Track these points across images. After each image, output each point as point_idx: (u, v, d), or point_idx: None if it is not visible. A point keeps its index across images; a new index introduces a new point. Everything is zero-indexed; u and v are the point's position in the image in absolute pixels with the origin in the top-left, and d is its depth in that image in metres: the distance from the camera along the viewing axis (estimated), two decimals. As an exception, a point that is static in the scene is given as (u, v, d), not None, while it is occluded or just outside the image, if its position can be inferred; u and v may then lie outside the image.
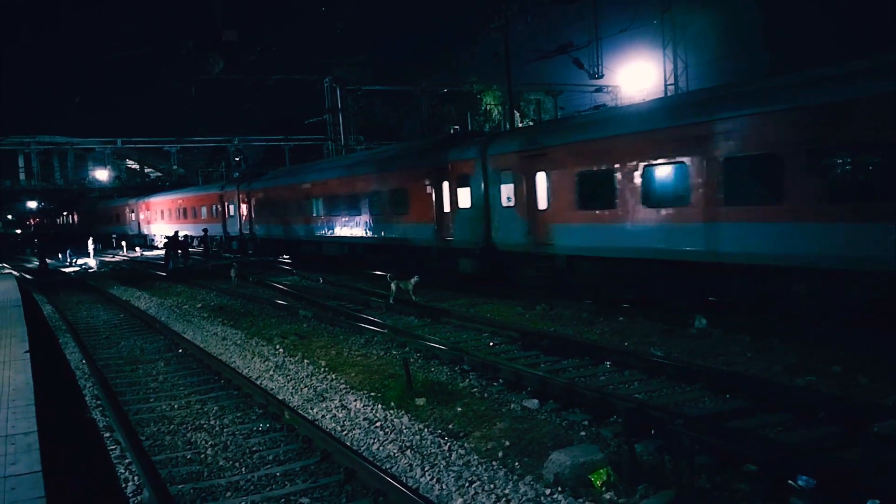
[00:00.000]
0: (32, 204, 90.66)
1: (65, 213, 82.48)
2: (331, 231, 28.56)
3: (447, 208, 20.82)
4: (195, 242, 43.93)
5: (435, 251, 21.86)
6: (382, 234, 24.83)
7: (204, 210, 44.90)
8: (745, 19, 37.73)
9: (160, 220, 53.14)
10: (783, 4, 36.26)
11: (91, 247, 44.98)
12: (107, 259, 44.90)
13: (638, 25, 31.46)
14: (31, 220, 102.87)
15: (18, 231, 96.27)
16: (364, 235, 26.07)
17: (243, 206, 38.47)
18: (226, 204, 41.36)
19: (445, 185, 20.83)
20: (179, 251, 35.13)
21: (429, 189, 21.57)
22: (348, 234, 27.18)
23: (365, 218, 25.81)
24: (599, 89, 44.05)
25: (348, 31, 41.17)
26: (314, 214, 29.81)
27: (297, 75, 47.95)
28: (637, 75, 41.10)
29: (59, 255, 45.38)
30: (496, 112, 53.75)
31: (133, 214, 58.78)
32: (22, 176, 57.84)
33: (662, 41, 32.82)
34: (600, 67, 35.01)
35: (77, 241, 51.93)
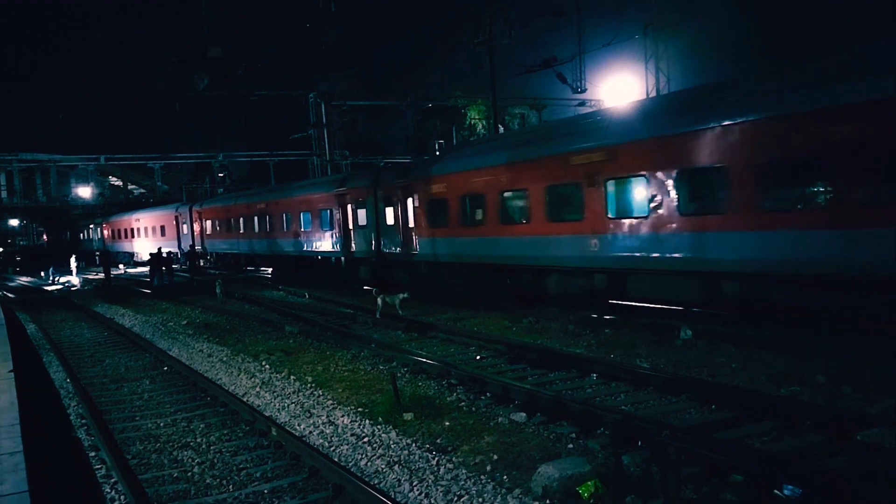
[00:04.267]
0: (14, 221, 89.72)
1: (91, 227, 68.76)
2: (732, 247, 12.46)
3: None
4: (180, 258, 43.58)
5: None
6: None
7: (305, 218, 30.09)
8: (730, 29, 38.13)
9: (228, 234, 39.42)
10: (768, 12, 36.67)
11: (74, 264, 44.70)
12: (90, 276, 44.59)
13: (621, 40, 31.81)
14: (45, 236, 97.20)
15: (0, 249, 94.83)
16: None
17: (388, 211, 23.83)
18: (350, 207, 26.41)
19: None
20: (164, 267, 34.95)
21: None
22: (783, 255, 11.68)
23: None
24: (583, 103, 44.35)
25: (333, 46, 41.20)
26: (636, 211, 14.50)
27: (281, 91, 48.03)
28: (620, 89, 41.44)
29: (42, 273, 45.02)
30: (480, 126, 53.98)
31: (185, 226, 46.24)
32: (3, 193, 57.42)
33: (645, 55, 33.19)
34: (583, 82, 35.30)
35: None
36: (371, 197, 24.75)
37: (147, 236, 52.32)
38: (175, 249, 46.04)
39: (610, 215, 14.78)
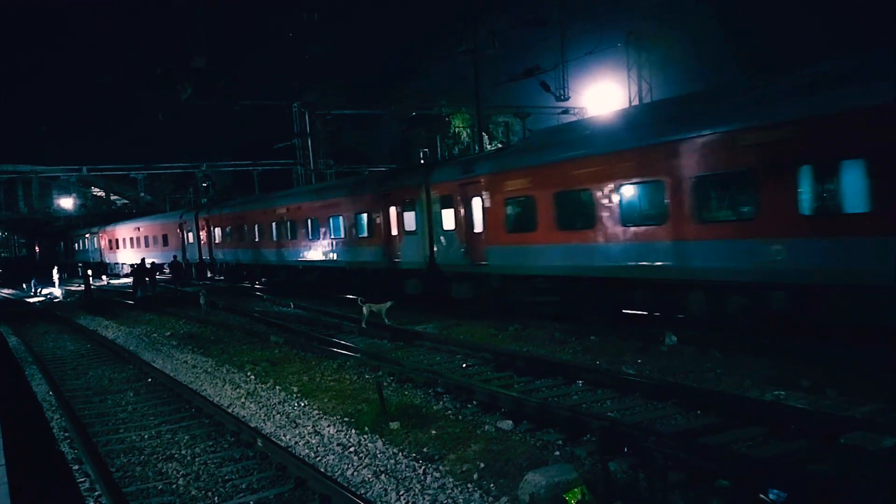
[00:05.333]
0: None
1: (87, 237, 62.50)
2: None
3: None
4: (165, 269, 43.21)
5: None
6: None
7: (335, 224, 26.05)
8: (710, 37, 38.47)
9: (240, 243, 35.28)
10: (748, 19, 37.06)
11: (56, 276, 44.29)
12: (73, 288, 44.19)
13: (603, 48, 32.04)
14: (36, 247, 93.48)
15: None
16: None
17: (445, 213, 20.07)
18: (394, 210, 22.52)
19: None
20: (147, 278, 34.68)
21: None
22: None
23: None
24: (566, 111, 44.54)
25: (317, 57, 41.15)
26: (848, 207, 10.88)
27: (265, 100, 47.90)
28: (603, 97, 41.66)
29: (24, 286, 44.60)
30: (465, 135, 54.10)
31: (191, 234, 41.63)
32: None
33: (627, 63, 33.46)
34: (566, 90, 35.49)
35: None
36: (422, 197, 20.83)
37: (149, 246, 47.89)
38: (180, 260, 41.99)
39: (803, 213, 11.33)
